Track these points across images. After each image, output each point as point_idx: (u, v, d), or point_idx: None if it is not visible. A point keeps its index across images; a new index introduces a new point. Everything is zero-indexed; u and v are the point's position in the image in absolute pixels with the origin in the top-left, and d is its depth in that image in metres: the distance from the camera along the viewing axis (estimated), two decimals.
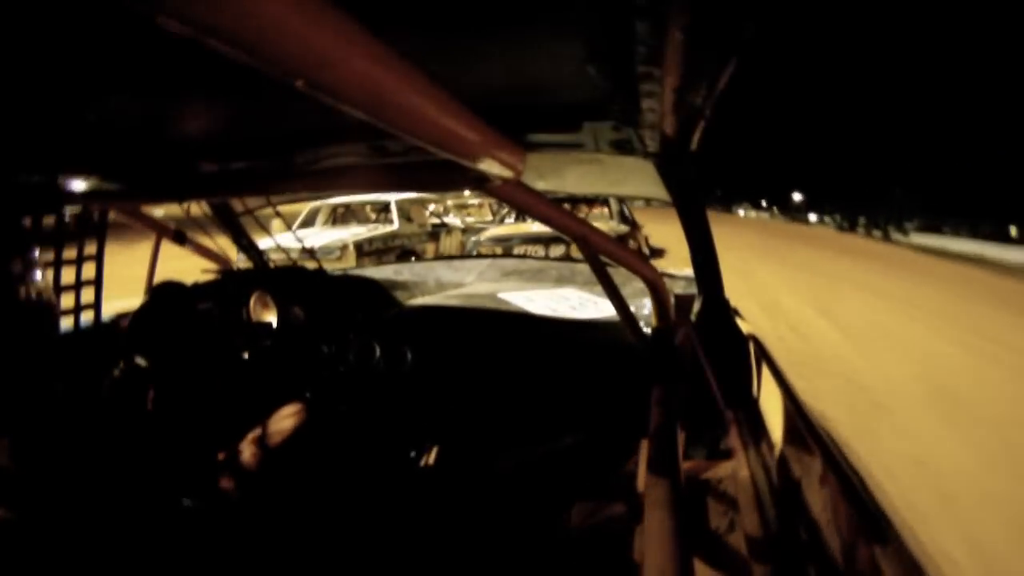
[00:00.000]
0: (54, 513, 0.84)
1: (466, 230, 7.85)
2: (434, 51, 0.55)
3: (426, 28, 0.52)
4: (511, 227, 5.84)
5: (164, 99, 0.73)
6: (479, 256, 2.95)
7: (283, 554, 1.02)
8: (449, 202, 8.72)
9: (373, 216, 7.27)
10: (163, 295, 1.23)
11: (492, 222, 8.87)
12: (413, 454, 1.38)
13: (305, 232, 5.98)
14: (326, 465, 1.24)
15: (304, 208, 6.90)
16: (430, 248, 6.98)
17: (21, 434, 0.89)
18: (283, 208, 1.80)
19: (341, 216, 7.13)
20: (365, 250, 5.93)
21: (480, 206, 9.96)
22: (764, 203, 64.27)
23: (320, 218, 6.93)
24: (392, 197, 6.48)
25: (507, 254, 4.91)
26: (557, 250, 5.05)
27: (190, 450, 1.11)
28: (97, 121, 0.79)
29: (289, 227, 2.20)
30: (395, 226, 6.52)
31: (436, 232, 7.17)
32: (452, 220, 7.96)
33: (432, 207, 7.64)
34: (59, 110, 0.74)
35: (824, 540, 0.66)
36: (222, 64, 0.33)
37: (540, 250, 5.13)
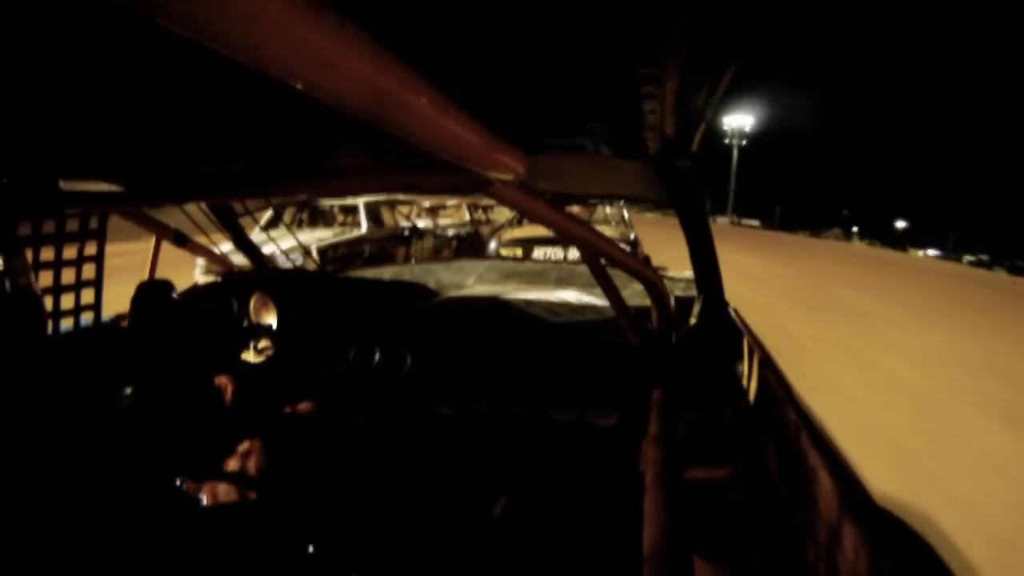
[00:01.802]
0: (48, 513, 0.84)
1: (438, 234, 7.52)
2: (434, 54, 0.55)
3: (426, 30, 0.52)
4: (530, 228, 5.69)
5: (165, 101, 0.73)
6: (479, 258, 2.95)
7: (284, 555, 1.01)
8: (426, 203, 8.23)
9: (341, 218, 6.81)
10: (144, 295, 1.22)
11: (467, 224, 8.53)
12: (416, 456, 1.37)
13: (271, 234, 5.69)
14: (327, 466, 1.23)
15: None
16: (400, 253, 6.62)
17: (13, 433, 0.88)
18: (251, 205, 1.78)
19: (308, 217, 6.70)
20: (330, 256, 5.48)
21: (458, 207, 9.25)
22: (856, 230, 56.36)
23: (285, 218, 6.38)
24: (361, 199, 6.06)
25: (527, 256, 4.91)
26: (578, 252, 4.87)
27: (189, 450, 1.10)
28: (97, 123, 0.79)
29: (259, 226, 2.15)
30: (362, 230, 6.12)
31: (408, 236, 6.82)
32: (424, 223, 7.62)
33: (403, 209, 7.24)
34: (59, 112, 0.74)
35: (821, 535, 0.66)
36: (223, 66, 0.33)
37: (559, 251, 5.00)
